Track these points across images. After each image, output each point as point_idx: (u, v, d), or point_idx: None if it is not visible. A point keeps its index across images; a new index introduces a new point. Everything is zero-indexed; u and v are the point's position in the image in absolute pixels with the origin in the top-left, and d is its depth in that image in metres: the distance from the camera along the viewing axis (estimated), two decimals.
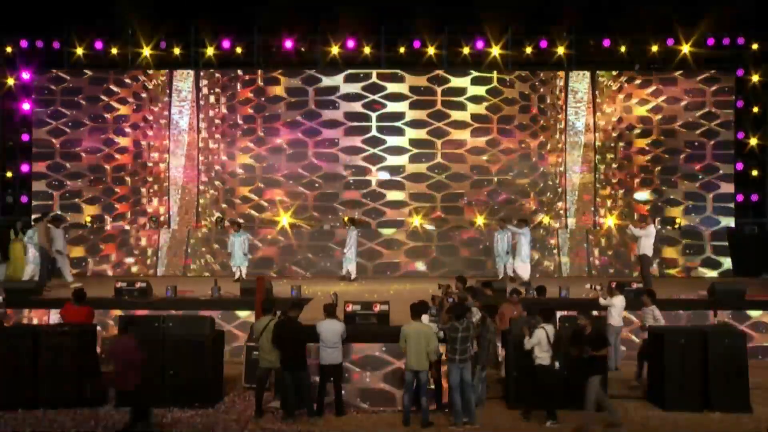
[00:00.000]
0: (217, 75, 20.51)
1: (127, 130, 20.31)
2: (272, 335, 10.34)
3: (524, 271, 17.10)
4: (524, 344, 10.32)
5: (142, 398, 9.68)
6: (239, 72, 20.50)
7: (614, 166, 20.48)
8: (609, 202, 20.47)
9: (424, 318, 10.53)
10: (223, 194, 20.42)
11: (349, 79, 20.37)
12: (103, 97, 20.22)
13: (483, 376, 10.81)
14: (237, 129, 20.44)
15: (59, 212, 18.91)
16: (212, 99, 20.49)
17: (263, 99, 20.39)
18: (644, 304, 12.05)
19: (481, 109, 20.31)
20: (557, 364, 10.14)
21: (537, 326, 10.28)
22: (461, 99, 20.32)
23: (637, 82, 20.32)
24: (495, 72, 20.33)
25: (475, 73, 20.34)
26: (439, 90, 20.34)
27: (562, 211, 20.50)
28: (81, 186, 20.13)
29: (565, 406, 10.32)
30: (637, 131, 20.32)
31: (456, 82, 20.35)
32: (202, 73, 20.52)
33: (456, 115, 20.30)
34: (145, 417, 9.55)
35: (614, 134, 20.47)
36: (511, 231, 17.40)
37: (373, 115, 20.30)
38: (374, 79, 20.33)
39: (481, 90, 20.35)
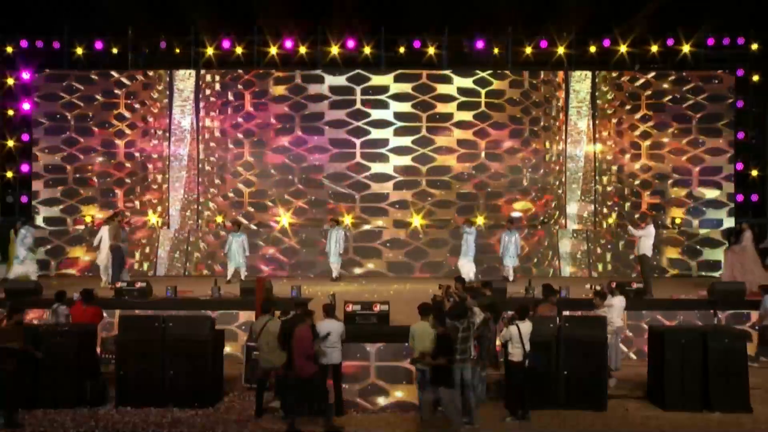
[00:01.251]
0: (239, 72, 20.37)
1: (128, 130, 20.29)
2: (279, 334, 10.33)
3: (470, 269, 17.21)
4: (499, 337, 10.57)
5: (319, 387, 9.97)
6: (244, 71, 20.45)
7: (614, 166, 20.47)
8: (609, 202, 20.47)
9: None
10: (248, 196, 20.32)
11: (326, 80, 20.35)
12: (103, 97, 20.19)
13: (483, 377, 10.82)
14: (242, 128, 20.39)
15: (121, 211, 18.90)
16: (230, 97, 20.39)
17: (268, 99, 20.32)
18: (596, 306, 11.90)
19: (481, 109, 20.24)
20: (527, 361, 10.23)
21: (513, 322, 10.37)
22: (460, 99, 20.28)
23: (637, 82, 20.31)
24: (499, 70, 20.36)
25: (479, 73, 20.29)
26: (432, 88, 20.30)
27: (562, 211, 20.50)
28: (81, 186, 20.11)
29: (540, 405, 10.49)
30: (637, 131, 20.32)
31: (450, 80, 20.25)
32: (209, 72, 20.47)
33: (450, 115, 20.24)
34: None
35: (614, 134, 20.46)
36: (465, 232, 17.46)
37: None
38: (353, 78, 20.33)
39: (480, 89, 20.26)
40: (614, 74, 20.44)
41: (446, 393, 9.76)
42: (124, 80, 20.31)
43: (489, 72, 20.28)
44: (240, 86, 20.39)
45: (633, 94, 20.31)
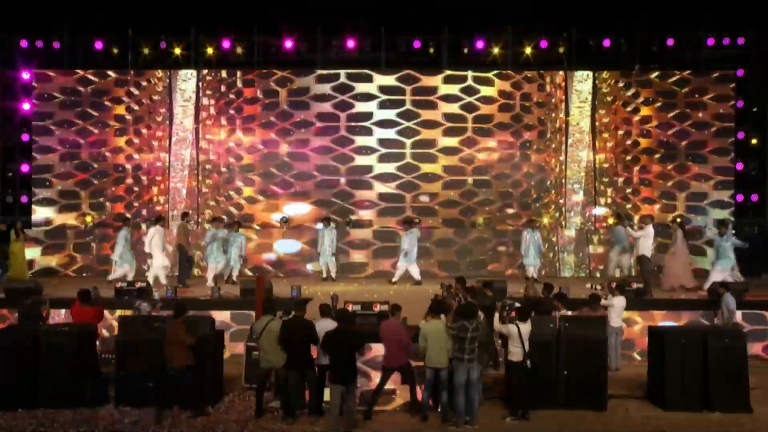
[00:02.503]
0: (274, 70, 20.31)
1: (128, 130, 20.27)
2: (279, 334, 10.34)
3: (415, 271, 17.46)
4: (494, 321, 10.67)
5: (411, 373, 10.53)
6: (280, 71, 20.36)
7: (614, 166, 20.46)
8: (609, 202, 20.47)
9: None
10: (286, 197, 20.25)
11: (321, 80, 20.26)
12: (103, 97, 20.18)
13: (479, 376, 10.83)
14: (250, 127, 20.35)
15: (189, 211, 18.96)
16: (258, 94, 20.31)
17: (276, 98, 20.29)
18: (555, 308, 11.76)
19: (480, 109, 20.25)
20: (528, 362, 10.27)
21: (514, 321, 10.41)
22: (459, 99, 20.28)
23: (637, 82, 20.30)
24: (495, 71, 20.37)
25: (475, 73, 20.29)
26: (409, 89, 20.24)
27: (562, 211, 20.49)
28: (82, 186, 20.11)
29: (540, 405, 10.53)
30: (636, 131, 20.31)
31: (447, 81, 20.25)
32: (210, 72, 20.46)
33: (452, 115, 20.23)
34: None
35: (614, 134, 20.46)
36: (412, 232, 17.64)
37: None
38: (343, 79, 20.20)
39: (481, 90, 20.28)
40: (614, 74, 20.43)
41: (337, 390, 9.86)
42: (124, 80, 20.27)
43: (524, 75, 20.31)
44: (272, 84, 20.24)
45: (633, 94, 20.29)
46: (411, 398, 10.61)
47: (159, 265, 16.39)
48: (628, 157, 20.34)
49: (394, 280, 17.57)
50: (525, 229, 18.24)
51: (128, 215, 18.94)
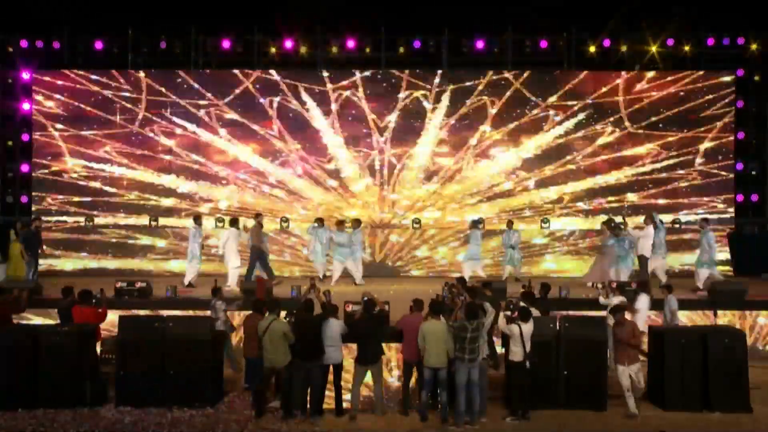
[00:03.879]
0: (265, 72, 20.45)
1: (129, 130, 20.25)
2: (293, 326, 10.51)
3: (358, 271, 17.62)
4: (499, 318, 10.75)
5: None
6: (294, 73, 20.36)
7: (614, 165, 20.46)
8: (608, 202, 20.47)
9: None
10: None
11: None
12: (103, 97, 20.18)
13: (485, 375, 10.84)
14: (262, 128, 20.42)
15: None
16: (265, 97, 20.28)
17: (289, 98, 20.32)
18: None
19: (480, 108, 20.28)
20: (528, 363, 10.29)
21: (516, 322, 10.42)
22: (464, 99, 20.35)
23: (637, 81, 20.29)
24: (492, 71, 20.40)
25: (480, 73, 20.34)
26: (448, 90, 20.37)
27: (562, 211, 20.49)
28: (81, 186, 20.11)
29: (540, 405, 10.57)
30: (636, 131, 20.31)
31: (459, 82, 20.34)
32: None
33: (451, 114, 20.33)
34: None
35: (615, 133, 20.44)
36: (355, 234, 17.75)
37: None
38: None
39: (481, 90, 20.35)
40: (614, 74, 20.41)
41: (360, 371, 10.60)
42: (125, 80, 20.24)
43: (549, 78, 20.38)
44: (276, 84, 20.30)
45: (631, 94, 20.27)
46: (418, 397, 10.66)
47: (233, 267, 16.36)
48: (626, 157, 20.31)
49: (357, 282, 17.51)
50: (507, 231, 18.12)
51: (200, 214, 18.57)
